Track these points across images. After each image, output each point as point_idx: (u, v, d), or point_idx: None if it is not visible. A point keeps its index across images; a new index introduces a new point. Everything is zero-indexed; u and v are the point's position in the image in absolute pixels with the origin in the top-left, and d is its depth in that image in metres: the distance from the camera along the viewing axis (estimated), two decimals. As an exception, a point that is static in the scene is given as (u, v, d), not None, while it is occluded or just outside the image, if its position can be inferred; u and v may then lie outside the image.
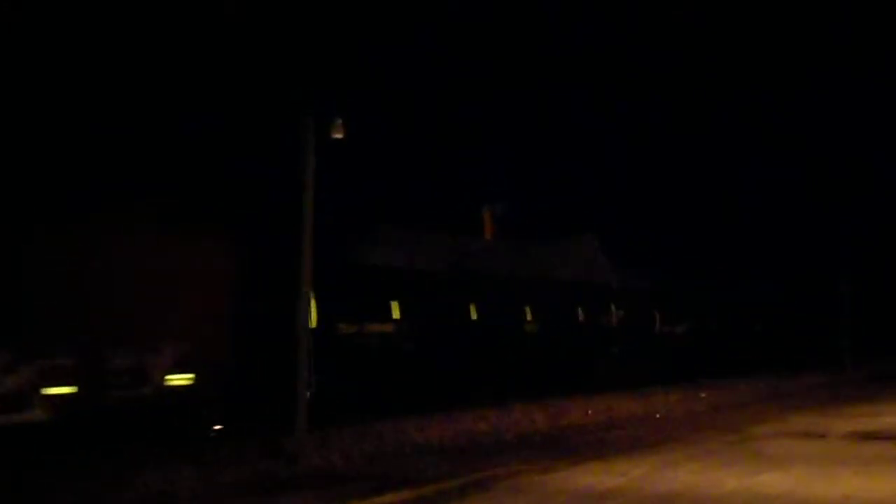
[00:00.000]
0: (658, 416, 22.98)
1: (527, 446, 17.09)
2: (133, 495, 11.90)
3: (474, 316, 27.87)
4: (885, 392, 30.23)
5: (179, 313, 16.41)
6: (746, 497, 12.24)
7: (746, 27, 74.62)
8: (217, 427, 18.05)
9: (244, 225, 21.04)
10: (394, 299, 24.41)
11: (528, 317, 30.16)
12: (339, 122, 16.35)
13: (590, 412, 22.08)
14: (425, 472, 14.02)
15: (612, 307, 35.54)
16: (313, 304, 18.04)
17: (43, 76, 16.75)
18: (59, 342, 14.46)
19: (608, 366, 32.86)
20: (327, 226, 19.59)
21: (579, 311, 33.34)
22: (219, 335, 17.04)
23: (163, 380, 16.09)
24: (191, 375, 16.52)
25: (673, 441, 18.04)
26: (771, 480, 13.43)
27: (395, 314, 24.16)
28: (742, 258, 55.39)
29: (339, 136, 16.38)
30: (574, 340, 32.33)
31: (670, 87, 79.59)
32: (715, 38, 70.46)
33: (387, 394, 22.46)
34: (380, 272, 25.74)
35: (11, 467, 13.18)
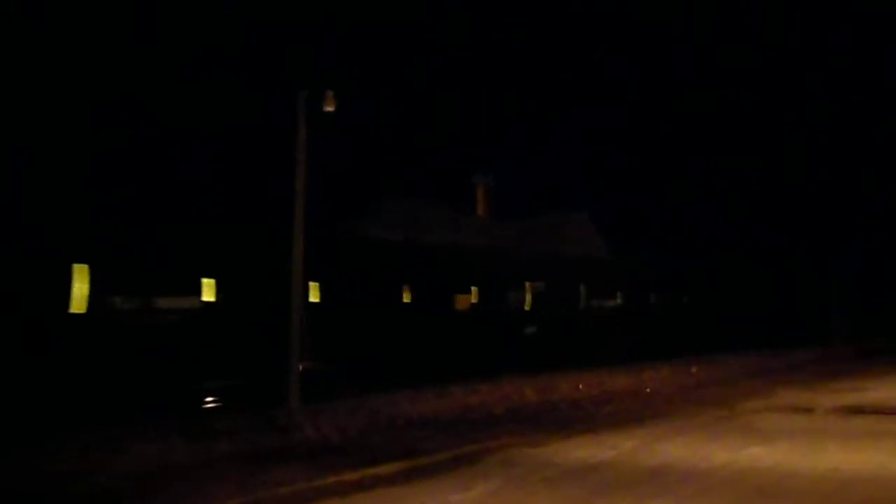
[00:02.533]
0: (648, 390, 23.15)
1: (518, 420, 17.23)
2: (123, 466, 11.97)
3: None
4: (872, 368, 30.49)
5: None
6: (735, 470, 12.40)
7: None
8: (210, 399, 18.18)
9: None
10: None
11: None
12: (331, 94, 16.32)
13: (581, 387, 22.22)
14: (418, 444, 14.13)
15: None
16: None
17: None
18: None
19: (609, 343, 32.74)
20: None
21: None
22: None
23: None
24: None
25: (663, 415, 18.21)
26: (759, 454, 13.61)
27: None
28: (735, 234, 55.63)
29: (330, 108, 16.36)
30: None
31: (664, 65, 79.42)
32: (712, 14, 70.32)
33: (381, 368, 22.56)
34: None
35: None
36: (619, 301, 35.19)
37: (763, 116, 77.28)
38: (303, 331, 15.78)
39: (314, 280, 20.84)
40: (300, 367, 15.53)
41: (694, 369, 27.61)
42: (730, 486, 11.42)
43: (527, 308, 29.57)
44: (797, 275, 48.62)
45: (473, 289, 27.39)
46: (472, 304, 27.30)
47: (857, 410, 18.90)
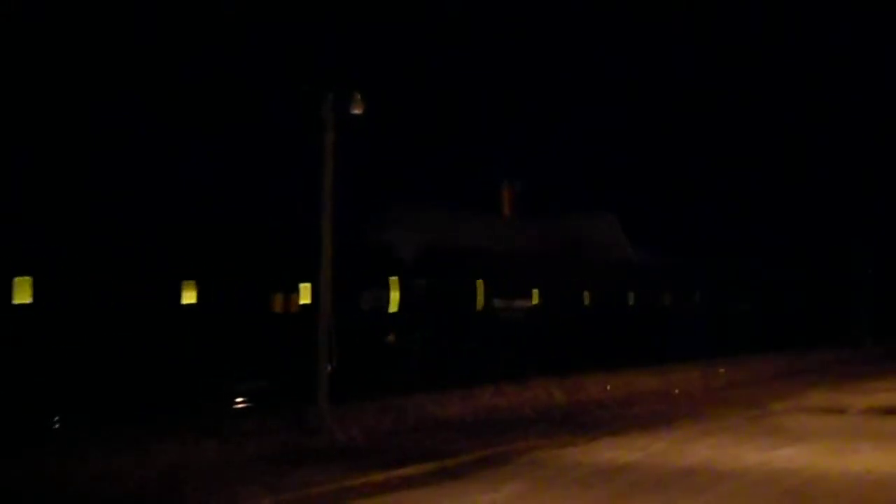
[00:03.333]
0: (677, 391, 22.99)
1: (545, 421, 17.16)
2: (153, 466, 12.03)
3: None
4: (903, 368, 30.13)
5: None
6: (766, 471, 12.28)
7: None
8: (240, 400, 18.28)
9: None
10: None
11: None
12: (358, 96, 16.30)
13: (608, 388, 22.10)
14: (445, 446, 14.12)
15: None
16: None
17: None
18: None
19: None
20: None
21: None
22: None
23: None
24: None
25: (692, 416, 18.07)
26: (790, 455, 13.47)
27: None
28: (757, 232, 55.06)
29: (358, 111, 16.32)
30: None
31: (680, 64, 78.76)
32: (712, 14, 69.79)
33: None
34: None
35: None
36: (533, 301, 29.77)
37: (763, 116, 76.57)
38: (331, 334, 15.79)
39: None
40: (328, 369, 15.54)
41: (722, 370, 27.40)
42: (762, 487, 11.30)
43: (393, 310, 23.78)
44: (812, 276, 48.04)
45: (305, 286, 20.70)
46: (303, 306, 20.94)
47: (890, 411, 18.68)
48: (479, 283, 26.98)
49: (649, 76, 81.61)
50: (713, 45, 76.78)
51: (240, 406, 18.62)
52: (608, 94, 78.48)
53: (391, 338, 23.65)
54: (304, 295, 20.60)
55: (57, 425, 15.24)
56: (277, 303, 20.53)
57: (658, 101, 75.93)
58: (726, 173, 65.26)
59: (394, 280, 23.54)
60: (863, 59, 76.58)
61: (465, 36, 67.20)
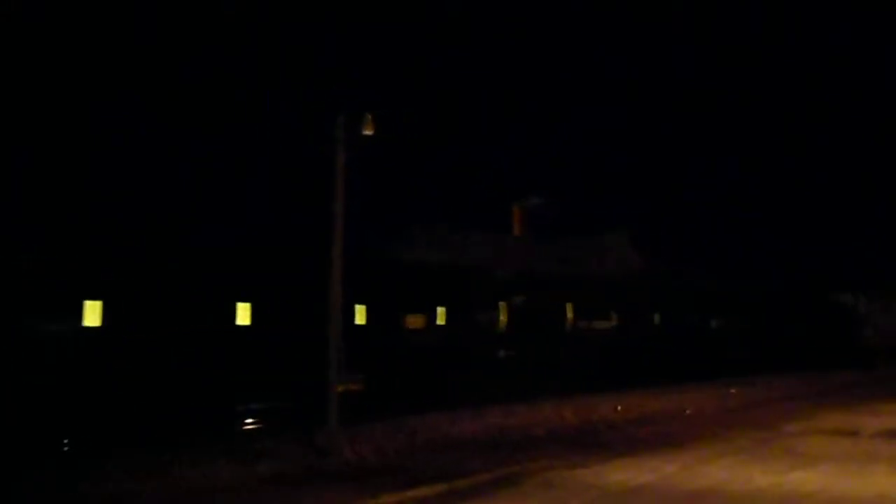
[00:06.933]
0: (688, 412, 22.90)
1: (557, 441, 17.13)
2: (166, 488, 12.07)
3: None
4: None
5: None
6: (778, 494, 12.22)
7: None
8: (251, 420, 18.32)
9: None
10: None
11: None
12: (369, 117, 16.42)
13: (619, 408, 22.03)
14: (457, 466, 14.11)
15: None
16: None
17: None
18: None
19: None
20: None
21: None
22: None
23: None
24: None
25: (704, 438, 18.00)
26: (802, 478, 13.39)
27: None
28: (773, 254, 54.96)
29: (369, 132, 16.44)
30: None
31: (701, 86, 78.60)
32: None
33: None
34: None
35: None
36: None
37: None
38: (341, 353, 15.81)
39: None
40: (339, 389, 15.56)
41: (734, 391, 27.28)
42: (774, 510, 11.25)
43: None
44: (835, 296, 47.89)
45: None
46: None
47: (904, 434, 18.55)
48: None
49: (649, 76, 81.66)
50: (713, 45, 76.94)
51: (252, 426, 18.66)
52: (608, 94, 78.48)
53: None
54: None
55: (66, 448, 15.28)
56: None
57: (658, 101, 75.82)
58: (714, 175, 64.98)
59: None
60: (863, 59, 76.59)
61: (464, 36, 67.19)
